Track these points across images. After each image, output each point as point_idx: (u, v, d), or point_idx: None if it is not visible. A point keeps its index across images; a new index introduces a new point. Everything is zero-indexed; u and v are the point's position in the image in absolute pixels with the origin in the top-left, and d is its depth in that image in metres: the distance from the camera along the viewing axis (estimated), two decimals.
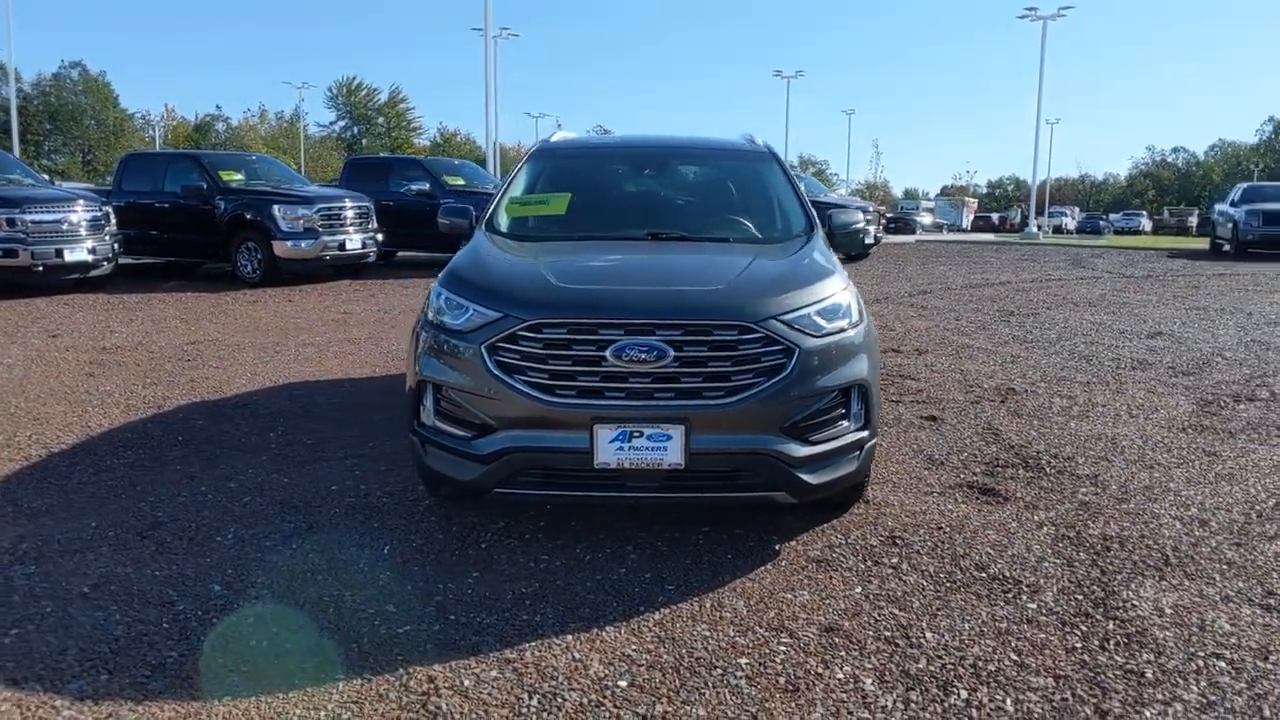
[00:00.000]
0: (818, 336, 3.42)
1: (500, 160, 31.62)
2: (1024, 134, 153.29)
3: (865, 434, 3.58)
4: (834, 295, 3.61)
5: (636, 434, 3.26)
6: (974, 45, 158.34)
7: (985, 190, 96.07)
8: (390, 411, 5.82)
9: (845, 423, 3.52)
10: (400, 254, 16.71)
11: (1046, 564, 3.52)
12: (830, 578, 3.39)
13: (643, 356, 3.26)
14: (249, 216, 13.12)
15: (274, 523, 3.90)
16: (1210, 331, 9.32)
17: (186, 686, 2.66)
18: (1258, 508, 4.12)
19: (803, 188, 4.84)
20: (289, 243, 13.04)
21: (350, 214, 13.86)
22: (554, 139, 5.30)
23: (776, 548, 3.65)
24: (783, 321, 3.37)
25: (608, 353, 3.28)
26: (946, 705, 2.58)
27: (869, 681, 2.70)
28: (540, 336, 3.34)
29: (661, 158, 5.19)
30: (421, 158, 21.78)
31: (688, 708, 2.57)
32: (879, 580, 3.37)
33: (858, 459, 3.58)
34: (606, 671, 2.75)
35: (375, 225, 14.44)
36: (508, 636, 2.96)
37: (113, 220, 12.35)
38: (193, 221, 13.55)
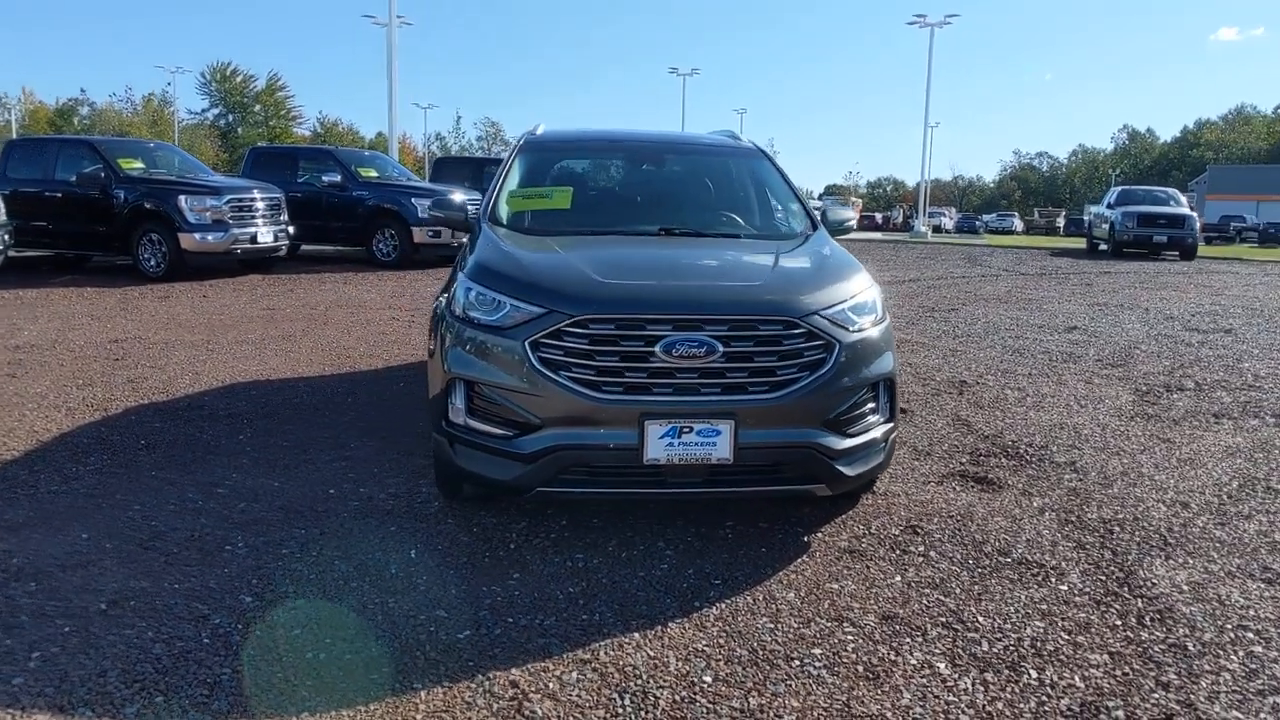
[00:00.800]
0: (853, 331, 3.49)
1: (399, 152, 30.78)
2: (902, 136, 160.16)
3: (890, 427, 3.67)
4: (864, 291, 3.68)
5: (686, 429, 3.25)
6: (861, 50, 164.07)
7: (865, 190, 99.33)
8: (358, 412, 5.63)
9: (875, 416, 3.60)
10: (304, 248, 16.06)
11: (1060, 548, 3.69)
12: (867, 567, 3.46)
13: (693, 352, 3.26)
14: (152, 207, 12.39)
15: (283, 529, 3.72)
16: (1119, 326, 9.93)
17: (254, 704, 2.51)
18: (1226, 489, 4.43)
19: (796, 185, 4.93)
20: (196, 235, 12.38)
21: (261, 206, 13.25)
22: (539, 131, 5.20)
23: (805, 539, 3.71)
24: (824, 317, 3.42)
25: (657, 348, 3.26)
26: (1021, 684, 2.68)
27: (942, 666, 2.78)
28: (587, 332, 3.29)
29: (655, 153, 5.18)
30: (333, 148, 20.99)
31: (780, 700, 2.58)
32: (914, 568, 3.46)
33: (884, 451, 3.67)
34: (687, 668, 2.74)
35: (286, 218, 13.86)
36: (573, 637, 2.91)
37: (2, 211, 11.46)
38: (88, 212, 12.69)
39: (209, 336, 8.15)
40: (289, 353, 7.51)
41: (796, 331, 3.37)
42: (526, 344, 3.33)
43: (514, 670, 2.70)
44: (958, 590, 3.29)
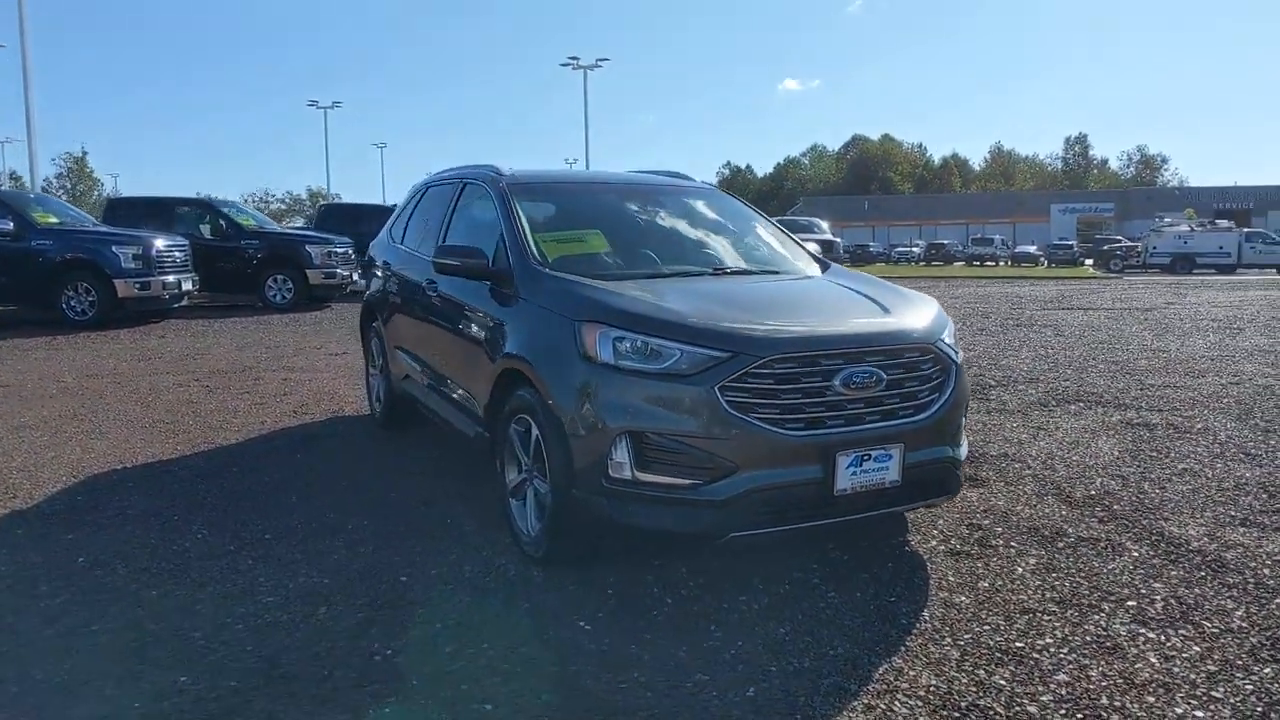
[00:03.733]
0: (958, 353, 3.87)
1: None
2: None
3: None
4: (948, 319, 4.07)
5: (867, 457, 3.43)
6: (519, 88, 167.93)
7: None
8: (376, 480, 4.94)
9: (963, 428, 4.01)
10: None
11: (1085, 524, 4.35)
12: (986, 564, 3.84)
13: (866, 382, 3.44)
14: None
15: (457, 603, 3.28)
16: None
17: None
18: None
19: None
20: None
21: None
22: (507, 171, 4.96)
23: (909, 551, 4.00)
24: (944, 342, 3.77)
25: (836, 381, 3.40)
26: (1204, 630, 3.21)
27: (1148, 631, 3.23)
28: (772, 372, 3.34)
29: (644, 194, 5.17)
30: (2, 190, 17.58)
31: (1076, 683, 2.86)
32: (1017, 559, 3.90)
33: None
34: (948, 682, 2.91)
35: None
36: (850, 689, 2.92)
37: None
38: None
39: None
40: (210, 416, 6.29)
41: (929, 357, 3.68)
42: (717, 389, 3.28)
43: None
44: (1070, 569, 3.78)
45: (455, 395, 4.76)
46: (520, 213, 4.51)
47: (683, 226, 4.96)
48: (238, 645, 3.14)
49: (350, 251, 17.01)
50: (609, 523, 3.46)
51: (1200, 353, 10.15)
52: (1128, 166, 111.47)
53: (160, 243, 13.54)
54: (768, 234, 5.12)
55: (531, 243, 4.30)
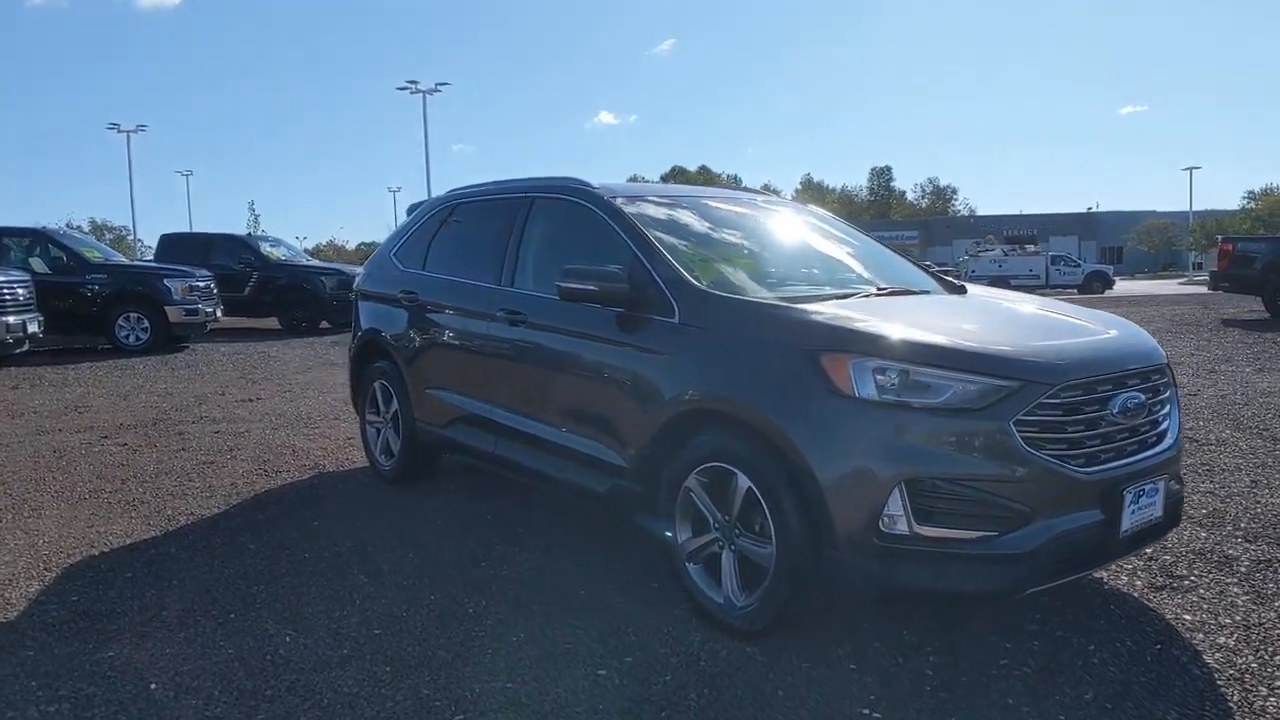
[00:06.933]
0: None
1: None
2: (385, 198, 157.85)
3: None
4: None
5: (1142, 492, 3.10)
6: (352, 112, 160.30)
7: (355, 251, 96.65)
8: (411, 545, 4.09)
9: None
10: None
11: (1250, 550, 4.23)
12: (1200, 597, 3.60)
13: (1134, 408, 3.12)
14: None
15: None
16: None
17: None
18: None
19: None
20: None
21: None
22: (598, 183, 4.31)
23: (1122, 590, 3.70)
24: (1166, 361, 3.50)
25: (1113, 409, 3.05)
26: None
27: None
28: (1060, 401, 2.95)
29: (747, 206, 4.64)
30: None
31: None
32: (1217, 587, 3.68)
33: None
34: None
35: None
36: None
37: None
38: None
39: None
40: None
41: (1166, 379, 3.41)
42: (1012, 423, 2.85)
43: None
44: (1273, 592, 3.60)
45: (567, 444, 4.04)
46: (648, 229, 3.92)
47: (806, 241, 4.51)
48: None
49: (212, 286, 15.33)
50: (879, 587, 2.95)
51: None
52: (922, 197, 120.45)
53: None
54: (878, 248, 4.74)
55: (682, 263, 3.71)
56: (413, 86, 40.66)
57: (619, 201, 4.12)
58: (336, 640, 3.36)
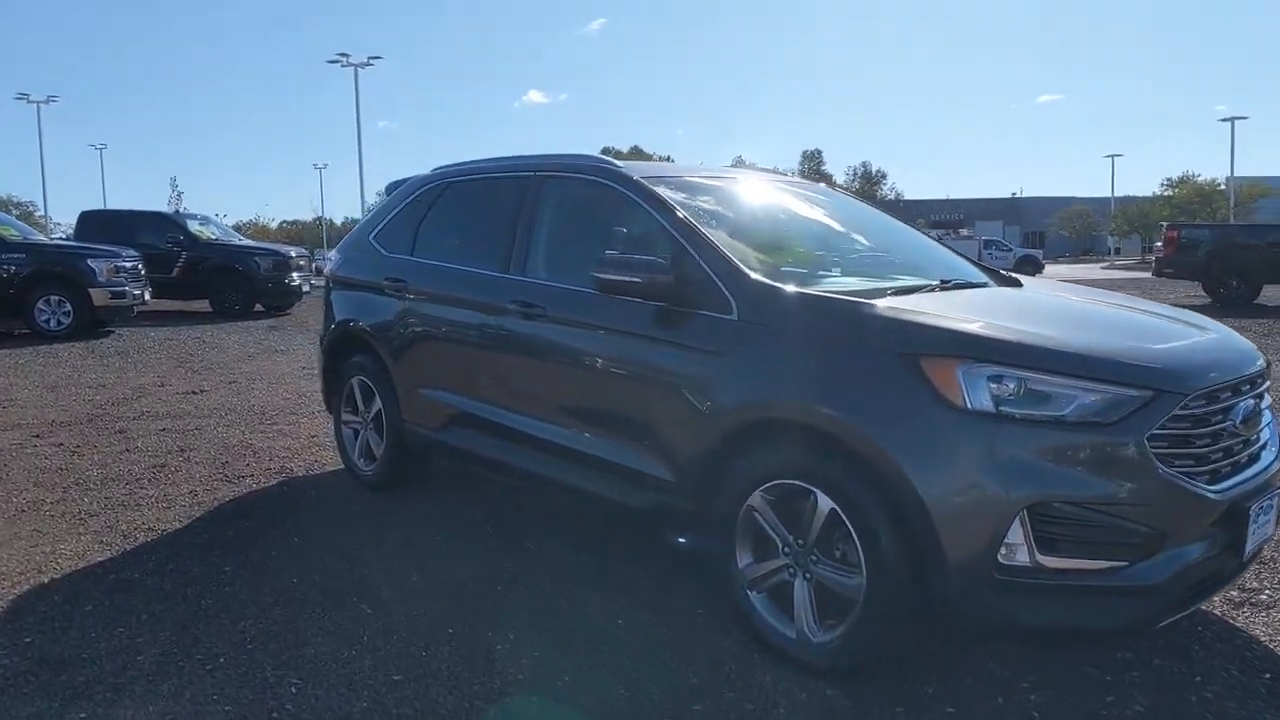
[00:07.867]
0: None
1: None
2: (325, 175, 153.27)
3: None
4: None
5: (1264, 509, 2.82)
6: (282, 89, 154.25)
7: (279, 229, 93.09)
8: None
9: None
10: None
11: None
12: None
13: (1252, 416, 2.85)
14: None
15: None
16: None
17: None
18: None
19: None
20: None
21: None
22: (624, 166, 3.86)
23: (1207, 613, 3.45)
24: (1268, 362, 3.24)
25: (1236, 419, 2.77)
26: None
27: None
28: (1188, 413, 2.64)
29: (786, 189, 4.24)
30: None
31: None
32: None
33: None
34: None
35: None
36: None
37: None
38: None
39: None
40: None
41: (1269, 382, 3.14)
42: (1146, 439, 2.53)
43: None
44: None
45: (596, 453, 3.60)
46: (692, 215, 3.49)
47: (855, 229, 4.14)
48: None
49: (140, 266, 14.34)
50: (996, 625, 2.61)
51: None
52: (853, 180, 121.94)
53: None
54: (915, 234, 4.39)
55: (736, 253, 3.30)
56: (344, 60, 39.08)
57: (654, 184, 3.68)
58: (351, 690, 2.89)
